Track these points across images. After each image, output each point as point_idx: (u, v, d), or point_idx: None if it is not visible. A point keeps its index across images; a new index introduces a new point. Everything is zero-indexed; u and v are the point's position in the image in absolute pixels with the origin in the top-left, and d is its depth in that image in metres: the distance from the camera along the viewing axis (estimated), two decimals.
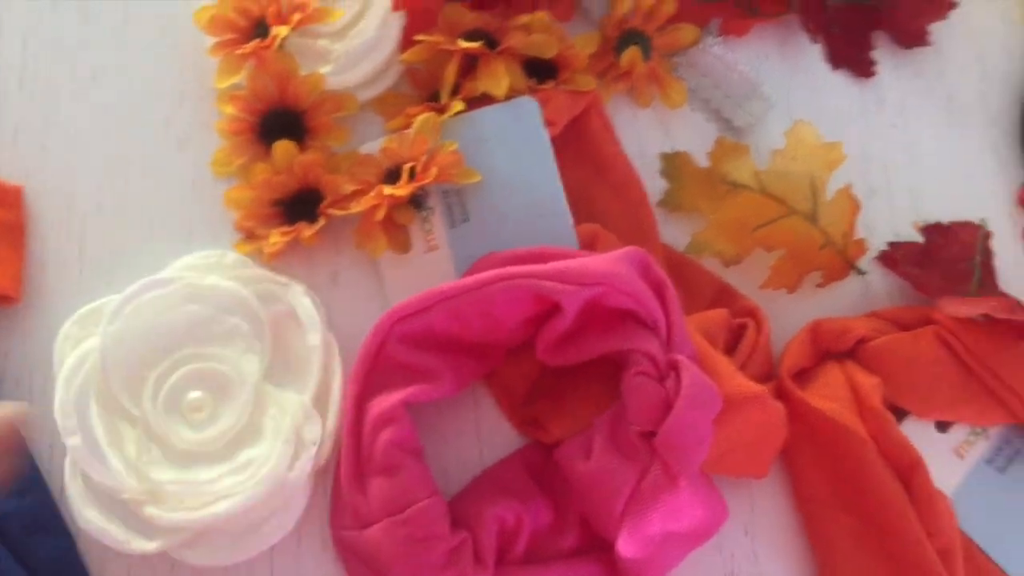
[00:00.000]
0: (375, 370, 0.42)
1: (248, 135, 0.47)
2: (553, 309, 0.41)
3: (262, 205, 0.46)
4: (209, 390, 0.42)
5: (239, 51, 0.46)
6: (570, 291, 0.39)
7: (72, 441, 0.40)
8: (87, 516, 0.39)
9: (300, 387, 0.43)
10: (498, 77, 0.47)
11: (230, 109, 0.47)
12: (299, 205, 0.46)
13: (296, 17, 0.46)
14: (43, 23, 0.49)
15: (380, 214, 0.44)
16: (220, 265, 0.45)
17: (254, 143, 0.47)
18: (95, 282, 0.45)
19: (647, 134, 0.51)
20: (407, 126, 0.47)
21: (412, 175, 0.45)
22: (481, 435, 0.45)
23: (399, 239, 0.46)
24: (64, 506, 0.40)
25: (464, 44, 0.47)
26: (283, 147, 0.46)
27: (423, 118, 0.46)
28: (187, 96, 0.49)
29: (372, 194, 0.44)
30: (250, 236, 0.46)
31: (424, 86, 0.49)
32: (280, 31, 0.46)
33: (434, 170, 0.44)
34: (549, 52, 0.48)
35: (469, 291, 0.40)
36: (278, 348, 0.44)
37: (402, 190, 0.44)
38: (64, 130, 0.47)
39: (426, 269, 0.46)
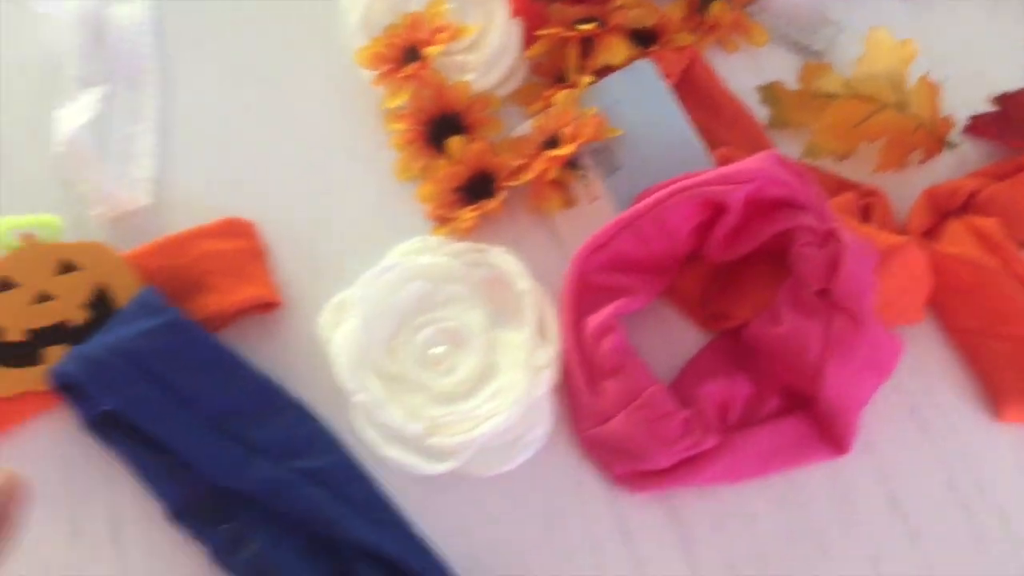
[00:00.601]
0: (581, 296, 0.50)
1: (419, 143, 0.57)
2: (718, 211, 0.49)
3: (447, 194, 0.55)
4: (448, 344, 0.51)
5: (400, 75, 0.56)
6: (731, 190, 0.48)
7: (359, 398, 0.48)
8: (389, 453, 0.48)
9: (521, 326, 0.51)
10: (614, 49, 0.56)
11: (399, 125, 0.57)
12: (476, 188, 0.55)
13: (442, 37, 0.56)
14: (236, 93, 0.59)
15: (551, 174, 0.53)
16: (427, 248, 0.54)
17: (425, 148, 0.56)
18: (328, 283, 0.53)
19: (740, 74, 0.60)
20: (547, 107, 0.56)
21: (561, 142, 0.54)
22: (670, 340, 0.53)
23: (566, 196, 0.55)
24: (360, 452, 0.48)
25: (582, 28, 0.56)
26: (455, 143, 0.55)
27: (563, 95, 0.55)
28: (361, 122, 0.58)
29: (540, 160, 0.53)
30: (443, 221, 0.55)
31: (548, 73, 0.59)
32: (432, 51, 0.55)
33: (585, 130, 0.53)
34: (649, 22, 0.58)
35: (646, 211, 0.49)
36: (493, 301, 0.52)
37: (565, 150, 0.52)
38: (274, 167, 0.57)
39: (593, 216, 0.54)
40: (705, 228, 0.50)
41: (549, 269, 0.53)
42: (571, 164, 0.55)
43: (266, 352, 0.52)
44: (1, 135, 0.57)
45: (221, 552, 0.46)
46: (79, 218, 0.54)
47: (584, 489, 0.49)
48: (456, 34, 0.56)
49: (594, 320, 0.49)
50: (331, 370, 0.50)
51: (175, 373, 0.48)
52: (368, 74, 0.58)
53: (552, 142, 0.54)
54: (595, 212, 0.54)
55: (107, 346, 0.47)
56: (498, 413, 0.48)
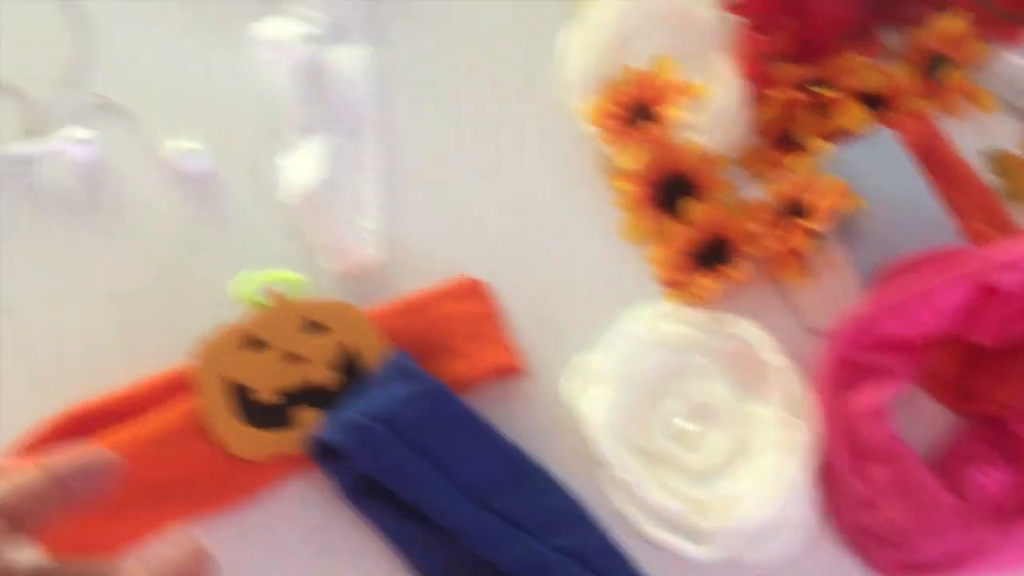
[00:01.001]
0: (841, 374, 0.49)
1: (647, 204, 0.56)
2: (989, 294, 0.48)
3: (680, 258, 0.54)
4: (696, 419, 0.50)
5: (634, 135, 0.55)
6: (1007, 274, 0.47)
7: (621, 475, 0.47)
8: (652, 532, 0.47)
9: (769, 401, 0.50)
10: (851, 114, 0.55)
11: (626, 185, 0.56)
12: (711, 253, 0.54)
13: (676, 97, 0.55)
14: (455, 147, 0.58)
15: (797, 244, 0.52)
16: (663, 315, 0.53)
17: (654, 209, 0.56)
18: (560, 346, 0.53)
19: (964, 139, 0.59)
20: (775, 170, 0.55)
21: (803, 211, 0.53)
22: (918, 422, 0.52)
23: (806, 265, 0.54)
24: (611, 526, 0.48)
25: (819, 91, 0.55)
26: (694, 207, 0.54)
27: (801, 160, 0.54)
28: (582, 177, 0.57)
29: (786, 229, 0.52)
30: (674, 286, 0.54)
31: (772, 134, 0.58)
32: (667, 112, 0.54)
33: (829, 200, 0.52)
34: (881, 86, 0.57)
35: (917, 294, 0.48)
36: (737, 374, 0.51)
37: (816, 223, 0.52)
38: (496, 221, 0.56)
39: (833, 288, 0.53)
40: (973, 311, 0.49)
41: (786, 340, 0.52)
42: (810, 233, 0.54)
43: (501, 416, 0.51)
44: (223, 182, 0.56)
45: None
46: (306, 271, 0.54)
47: None
48: (689, 93, 0.55)
49: (863, 401, 0.48)
50: (572, 437, 0.50)
51: (435, 441, 0.47)
52: (588, 127, 0.57)
53: (792, 210, 0.53)
54: (835, 283, 0.53)
55: (369, 412, 0.47)
56: (759, 496, 0.47)
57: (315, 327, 0.50)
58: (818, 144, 0.55)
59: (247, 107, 0.57)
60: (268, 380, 0.48)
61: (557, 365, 0.52)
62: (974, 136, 0.59)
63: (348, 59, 0.59)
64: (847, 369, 0.49)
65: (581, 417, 0.50)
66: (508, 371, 0.51)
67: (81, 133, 0.55)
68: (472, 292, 0.53)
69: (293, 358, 0.49)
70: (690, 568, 0.48)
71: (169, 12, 0.59)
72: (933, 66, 0.59)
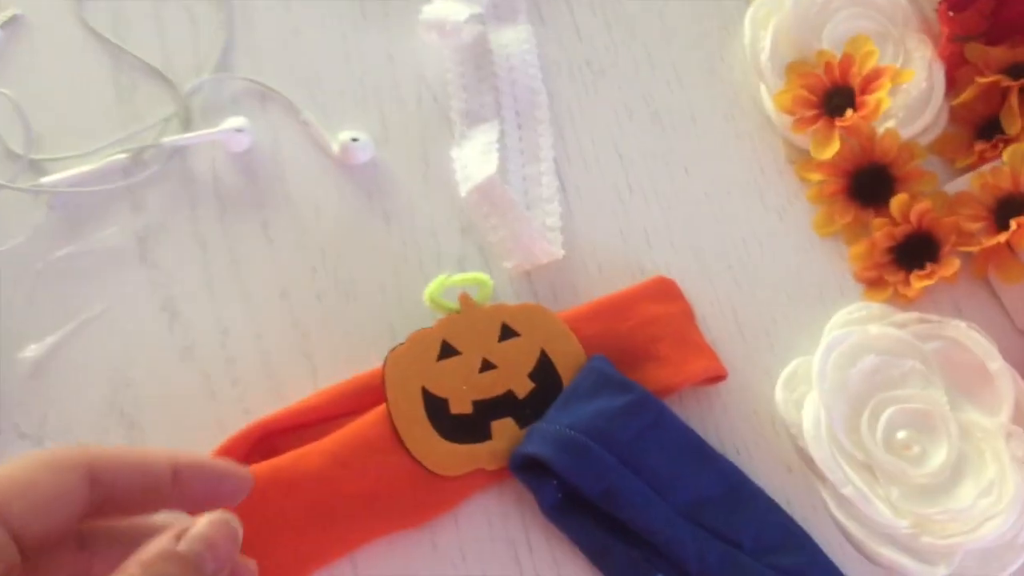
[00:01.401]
0: None
1: (843, 196, 0.52)
2: None
3: (881, 255, 0.51)
4: (913, 428, 0.47)
5: (836, 125, 0.51)
6: None
7: (847, 491, 0.44)
8: (882, 552, 0.44)
9: (993, 410, 0.47)
10: None
11: (819, 175, 0.52)
12: (914, 249, 0.51)
13: (880, 83, 0.51)
14: (629, 137, 0.54)
15: (1013, 242, 0.48)
16: (869, 316, 0.50)
17: (850, 202, 0.52)
18: (758, 348, 0.50)
19: None
20: (980, 161, 0.52)
21: (1019, 208, 0.49)
22: None
23: (1018, 264, 0.50)
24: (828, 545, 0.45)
25: None
26: (899, 200, 0.50)
27: (1013, 149, 0.50)
28: (767, 165, 0.54)
29: (998, 226, 0.49)
30: (873, 283, 0.51)
31: (970, 121, 0.54)
32: (873, 100, 0.51)
33: None
34: None
35: None
36: (951, 379, 0.48)
37: None
38: (677, 213, 0.52)
39: None
40: None
41: (999, 342, 0.49)
42: None
43: (705, 426, 0.48)
44: (392, 174, 0.53)
45: None
46: (484, 271, 0.51)
47: None
48: (892, 78, 0.52)
49: None
50: (783, 449, 0.47)
51: (649, 457, 0.44)
52: (776, 113, 0.54)
53: (1006, 203, 0.50)
54: None
55: (580, 426, 0.44)
56: (997, 514, 0.44)
57: (509, 333, 0.47)
58: None
59: (412, 94, 0.54)
60: (464, 390, 0.46)
61: (753, 370, 0.49)
62: None
63: (515, 41, 0.55)
64: None
65: (795, 428, 0.47)
66: (713, 378, 0.48)
67: (237, 121, 0.52)
68: (668, 293, 0.50)
69: (489, 367, 0.46)
70: None
71: (319, 2, 0.56)
72: None
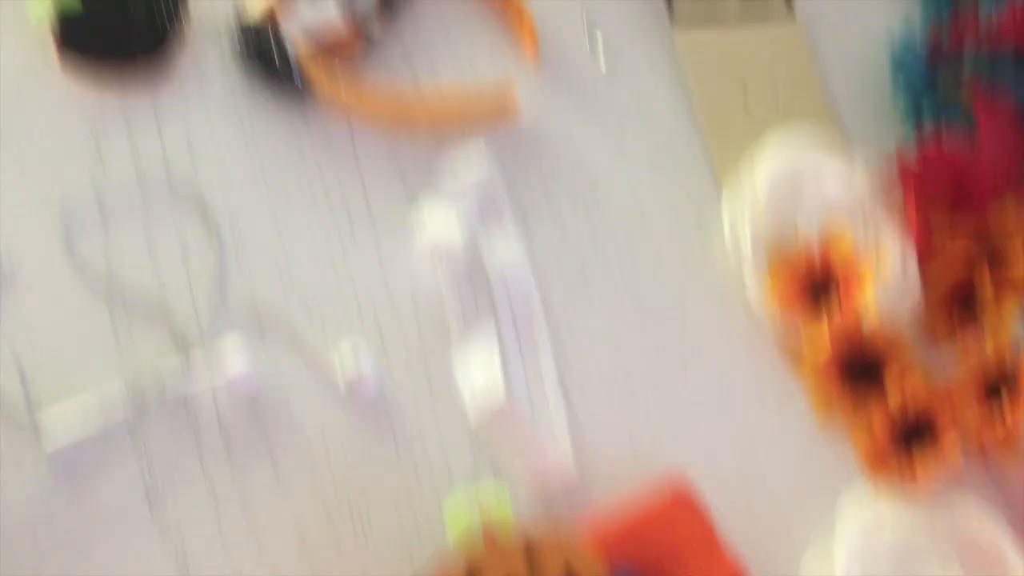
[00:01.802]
0: None
1: (838, 383, 0.54)
2: None
3: (883, 439, 0.52)
4: None
5: (822, 314, 0.53)
6: None
7: None
8: None
9: None
10: None
11: (817, 367, 0.54)
12: (915, 433, 0.52)
13: (861, 275, 0.54)
14: (625, 336, 0.55)
15: (1011, 424, 0.50)
16: (882, 518, 0.50)
17: (844, 391, 0.54)
18: (778, 538, 0.50)
19: None
20: (952, 334, 0.54)
21: (1008, 388, 0.51)
22: None
23: (1017, 446, 0.52)
24: None
25: (1009, 244, 0.54)
26: (893, 388, 0.52)
27: (993, 330, 0.53)
28: (760, 356, 0.55)
29: (995, 408, 0.51)
30: (881, 471, 0.52)
31: (947, 297, 0.56)
32: (859, 294, 0.53)
33: None
34: None
35: None
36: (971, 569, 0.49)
37: None
38: (682, 414, 0.53)
39: None
40: None
41: (1004, 519, 0.50)
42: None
43: None
44: (394, 390, 0.52)
45: None
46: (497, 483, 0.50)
47: None
48: (876, 275, 0.54)
49: None
50: None
51: None
52: (762, 304, 0.56)
53: (996, 386, 0.52)
54: None
55: None
56: None
57: (534, 557, 0.46)
58: (1005, 306, 0.54)
59: (407, 309, 0.55)
60: None
61: (772, 563, 0.49)
62: None
63: (506, 250, 0.56)
64: None
65: None
66: None
67: (237, 359, 0.51)
68: (684, 506, 0.50)
69: None
70: None
71: (312, 216, 0.56)
72: None
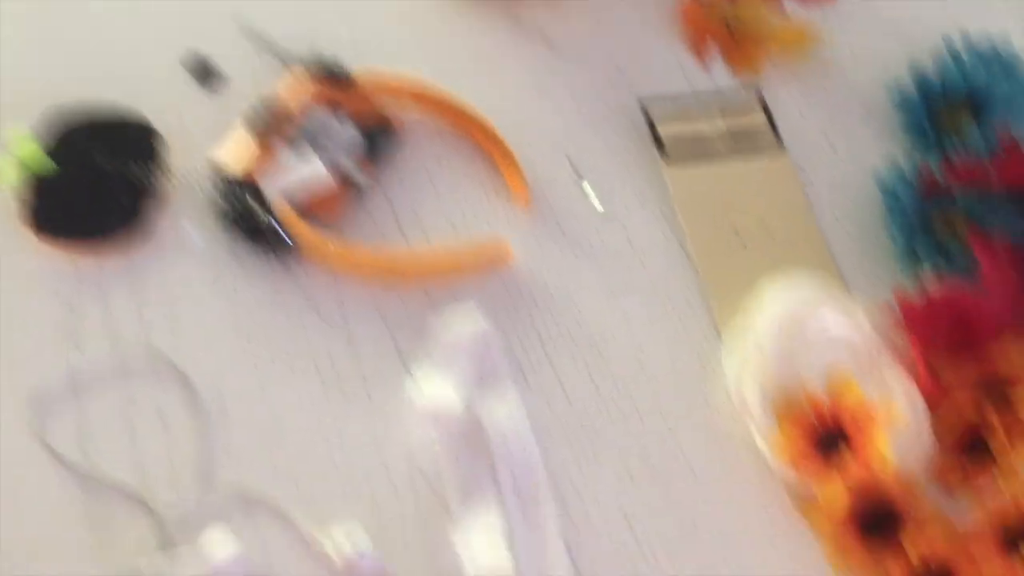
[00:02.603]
0: None
1: (855, 537, 0.52)
2: None
3: None
4: None
5: (835, 468, 0.52)
6: None
7: None
8: None
9: None
10: None
11: (833, 522, 0.52)
12: None
13: (872, 426, 0.52)
14: (632, 496, 0.53)
15: None
16: None
17: (864, 542, 0.52)
18: None
19: None
20: (972, 484, 0.53)
21: None
22: None
23: None
24: None
25: (1017, 392, 0.53)
26: (910, 539, 0.50)
27: (1007, 479, 0.51)
28: (773, 515, 0.53)
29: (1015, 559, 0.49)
30: None
31: (958, 443, 0.55)
32: (871, 446, 0.51)
33: None
34: None
35: None
36: None
37: None
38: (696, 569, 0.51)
39: None
40: None
41: None
42: None
43: None
44: (392, 558, 0.49)
45: None
46: None
47: None
48: (886, 417, 0.53)
49: None
50: None
51: None
52: (769, 456, 0.54)
53: (1016, 534, 0.50)
54: None
55: None
56: None
57: None
58: (1019, 452, 0.52)
59: (403, 478, 0.52)
60: None
61: None
62: None
63: (505, 411, 0.54)
64: None
65: None
66: None
67: (224, 546, 0.48)
68: None
69: None
70: None
71: (300, 383, 0.54)
72: None
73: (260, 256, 0.56)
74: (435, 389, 0.53)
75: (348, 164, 0.58)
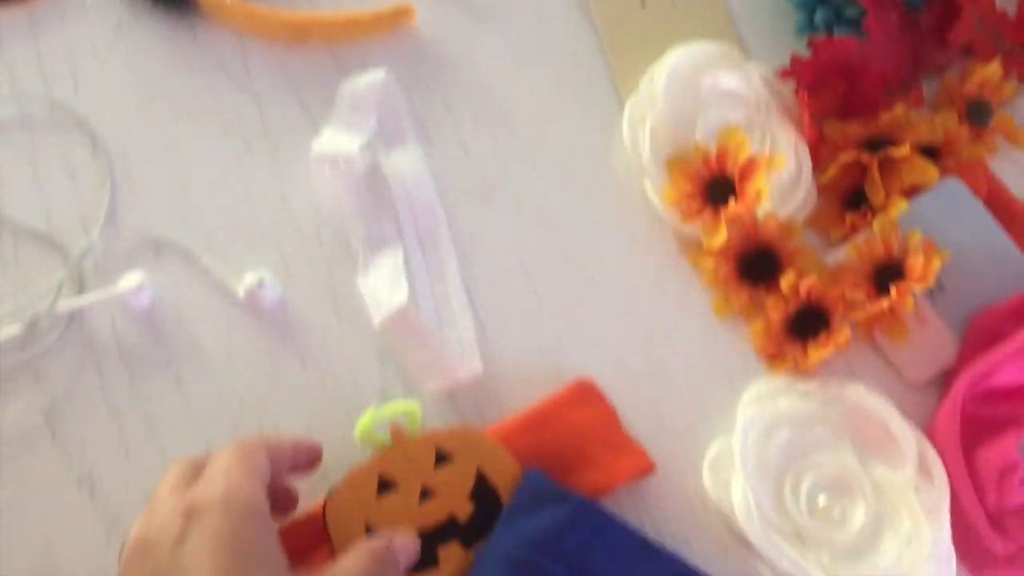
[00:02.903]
0: (964, 429, 0.50)
1: (735, 279, 0.55)
2: None
3: (778, 330, 0.54)
4: (831, 492, 0.50)
5: (720, 216, 0.55)
6: None
7: (783, 564, 0.47)
8: None
9: (896, 464, 0.50)
10: (922, 170, 0.56)
11: (711, 262, 0.55)
12: (808, 322, 0.54)
13: (757, 172, 0.55)
14: (530, 247, 0.56)
15: (904, 305, 0.52)
16: (775, 391, 0.53)
17: (741, 284, 0.55)
18: (684, 438, 0.52)
19: (1009, 179, 0.60)
20: (851, 232, 0.56)
21: (896, 272, 0.53)
22: None
23: (902, 325, 0.54)
24: None
25: (891, 152, 0.56)
26: (787, 279, 0.54)
27: (881, 220, 0.55)
28: (660, 257, 0.56)
29: (880, 293, 0.53)
30: (775, 358, 0.54)
31: (838, 196, 0.58)
32: (753, 189, 0.54)
33: (920, 259, 0.53)
34: (933, 137, 0.58)
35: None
36: (862, 440, 0.51)
37: (920, 282, 0.52)
38: (586, 315, 0.54)
39: (926, 342, 0.54)
40: None
41: (893, 399, 0.52)
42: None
43: (641, 519, 0.50)
44: (299, 312, 0.52)
45: None
46: (408, 393, 0.51)
47: None
48: (769, 166, 0.55)
49: (992, 454, 0.49)
50: (717, 531, 0.49)
51: (597, 562, 0.45)
52: (663, 208, 0.57)
53: (884, 271, 0.54)
54: (928, 335, 0.54)
55: (526, 544, 0.44)
56: (920, 563, 0.47)
57: (444, 458, 0.47)
58: (894, 201, 0.55)
59: (309, 229, 0.55)
60: (407, 522, 0.46)
61: (679, 459, 0.51)
62: (1020, 175, 0.61)
63: (408, 163, 0.56)
64: (970, 425, 0.50)
65: (727, 509, 0.49)
66: (642, 473, 0.50)
67: (135, 278, 0.51)
68: (590, 397, 0.51)
69: (428, 494, 0.46)
70: None
71: (208, 140, 0.55)
72: (972, 111, 0.60)
73: (162, 12, 0.56)
74: (339, 141, 0.55)
75: None
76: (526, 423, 0.49)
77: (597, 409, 0.51)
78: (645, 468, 0.50)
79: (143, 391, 0.49)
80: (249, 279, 0.51)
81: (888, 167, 0.57)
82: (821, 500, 0.50)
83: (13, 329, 0.49)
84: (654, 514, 0.50)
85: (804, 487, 0.50)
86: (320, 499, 0.46)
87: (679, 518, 0.50)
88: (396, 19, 0.58)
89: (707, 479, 0.50)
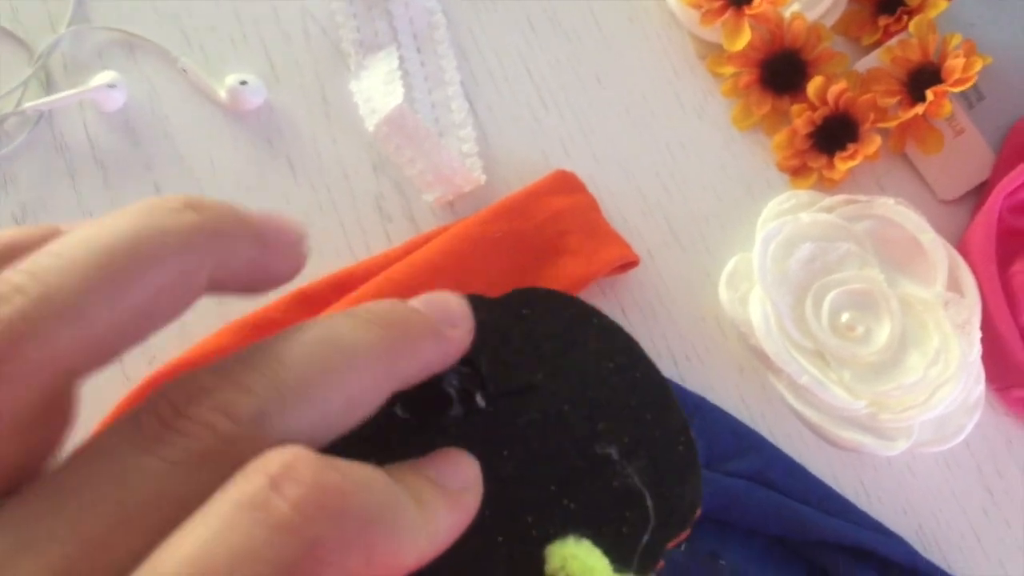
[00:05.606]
0: (999, 243, 0.47)
1: (757, 87, 0.51)
2: None
3: (803, 141, 0.50)
4: (855, 309, 0.47)
5: (740, 13, 0.50)
6: None
7: (804, 380, 0.44)
8: (842, 434, 0.44)
9: (927, 281, 0.48)
10: None
11: (730, 69, 0.51)
12: (835, 131, 0.50)
13: None
14: (535, 50, 0.52)
15: (941, 111, 0.48)
16: (799, 204, 0.49)
17: (765, 92, 0.51)
18: (700, 253, 0.49)
19: None
20: (884, 36, 0.51)
21: (933, 76, 0.49)
22: None
23: (937, 134, 0.50)
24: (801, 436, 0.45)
25: None
26: (816, 83, 0.50)
27: (918, 20, 0.50)
28: (677, 64, 0.52)
29: (915, 99, 0.49)
30: (797, 171, 0.51)
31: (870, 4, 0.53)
32: None
33: (960, 63, 0.49)
34: None
35: None
36: (886, 256, 0.48)
37: (957, 85, 0.48)
38: (597, 124, 0.51)
39: (960, 152, 0.51)
40: None
41: (925, 214, 0.49)
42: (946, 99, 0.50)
43: (652, 336, 0.47)
44: (288, 116, 0.49)
45: None
46: (405, 207, 0.48)
47: (1015, 448, 0.47)
48: None
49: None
50: (735, 347, 0.47)
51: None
52: (678, 9, 0.52)
53: (920, 76, 0.50)
54: (963, 147, 0.51)
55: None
56: (946, 381, 0.45)
57: None
58: (932, 1, 0.51)
59: (298, 28, 0.50)
60: None
61: (693, 274, 0.48)
62: None
63: None
64: (1005, 239, 0.47)
65: (744, 326, 0.46)
66: (627, 265, 0.47)
67: (106, 76, 0.47)
68: (569, 185, 0.48)
69: None
70: (873, 465, 0.46)
71: None
72: None
73: None
74: None
75: None
76: (503, 210, 0.46)
77: (578, 198, 0.48)
78: (629, 259, 0.47)
79: (120, 198, 0.46)
80: (231, 80, 0.47)
81: None
82: (844, 317, 0.47)
83: None
84: (667, 331, 0.47)
85: (827, 303, 0.47)
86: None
87: (694, 336, 0.47)
88: None
89: (723, 294, 0.47)
